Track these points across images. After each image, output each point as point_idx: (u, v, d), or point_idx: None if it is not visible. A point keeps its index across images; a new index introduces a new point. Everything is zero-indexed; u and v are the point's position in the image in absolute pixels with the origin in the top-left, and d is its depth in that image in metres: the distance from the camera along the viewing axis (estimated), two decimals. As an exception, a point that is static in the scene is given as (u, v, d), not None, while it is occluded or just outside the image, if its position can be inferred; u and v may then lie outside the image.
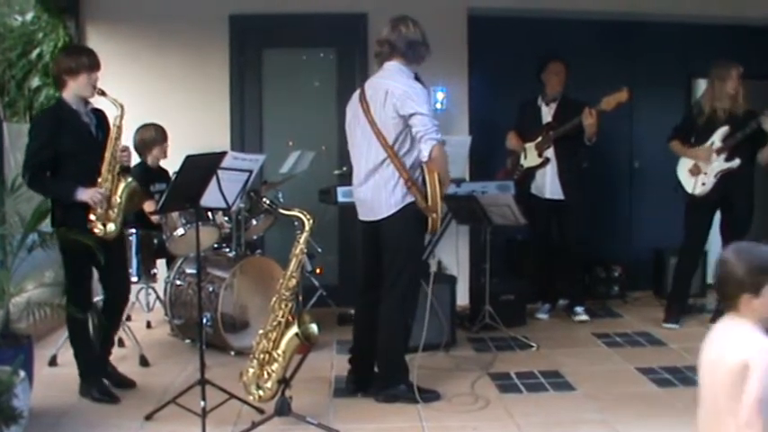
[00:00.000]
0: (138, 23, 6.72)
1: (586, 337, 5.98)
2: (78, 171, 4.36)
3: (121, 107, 4.37)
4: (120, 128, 4.39)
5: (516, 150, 6.49)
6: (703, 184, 5.98)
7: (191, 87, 6.85)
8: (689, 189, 6.05)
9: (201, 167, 4.11)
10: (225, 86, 6.96)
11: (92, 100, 4.52)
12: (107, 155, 4.36)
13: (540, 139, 6.31)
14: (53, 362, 5.19)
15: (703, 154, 5.95)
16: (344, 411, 4.39)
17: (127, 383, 4.74)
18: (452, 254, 6.48)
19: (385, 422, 4.24)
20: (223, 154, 4.14)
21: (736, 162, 5.89)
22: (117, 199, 4.38)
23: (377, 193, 4.41)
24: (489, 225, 5.80)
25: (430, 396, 4.54)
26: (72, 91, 4.41)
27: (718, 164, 5.92)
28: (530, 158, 6.38)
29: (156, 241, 5.62)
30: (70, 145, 4.34)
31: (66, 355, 5.11)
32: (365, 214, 4.56)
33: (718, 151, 5.91)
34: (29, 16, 7.07)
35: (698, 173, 6.00)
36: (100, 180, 4.35)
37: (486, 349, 5.65)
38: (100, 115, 4.54)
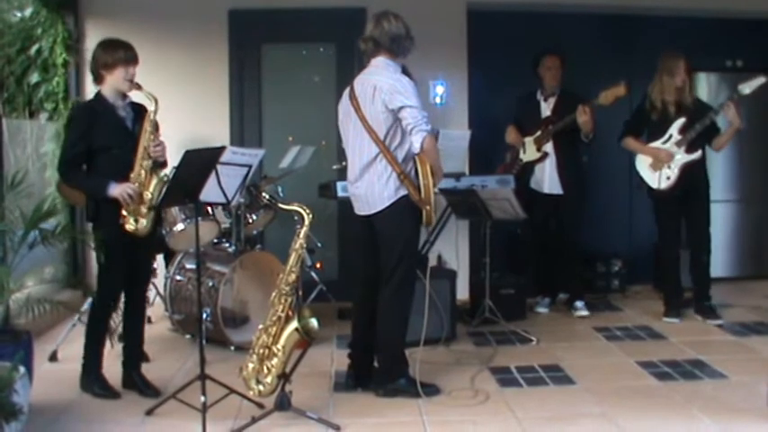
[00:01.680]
0: (137, 18, 6.70)
1: (586, 330, 5.98)
2: (112, 165, 4.36)
3: (156, 101, 4.35)
4: (153, 122, 4.39)
5: (515, 145, 6.49)
6: (668, 177, 6.01)
7: (190, 82, 6.85)
8: (654, 184, 6.09)
9: (200, 162, 4.10)
10: (224, 81, 6.96)
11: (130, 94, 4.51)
12: (140, 149, 4.35)
13: (538, 133, 6.31)
14: (53, 357, 5.20)
15: (664, 155, 5.98)
16: (344, 406, 4.39)
17: (152, 392, 4.56)
18: (452, 248, 6.47)
19: (385, 417, 4.24)
20: (222, 149, 4.13)
21: (699, 154, 5.95)
22: (149, 194, 4.36)
23: (371, 188, 4.44)
24: (489, 219, 5.80)
25: (430, 390, 4.55)
26: (109, 85, 4.42)
27: (681, 156, 5.96)
28: (529, 153, 6.38)
29: (155, 236, 5.62)
30: (104, 139, 4.35)
31: (67, 351, 5.13)
32: (361, 209, 4.58)
33: (679, 144, 5.94)
34: (27, 12, 7.03)
35: (659, 167, 6.02)
36: (132, 175, 4.34)
37: (486, 343, 5.65)
38: (139, 109, 4.51)
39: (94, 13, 6.78)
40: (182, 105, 6.62)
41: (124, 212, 4.33)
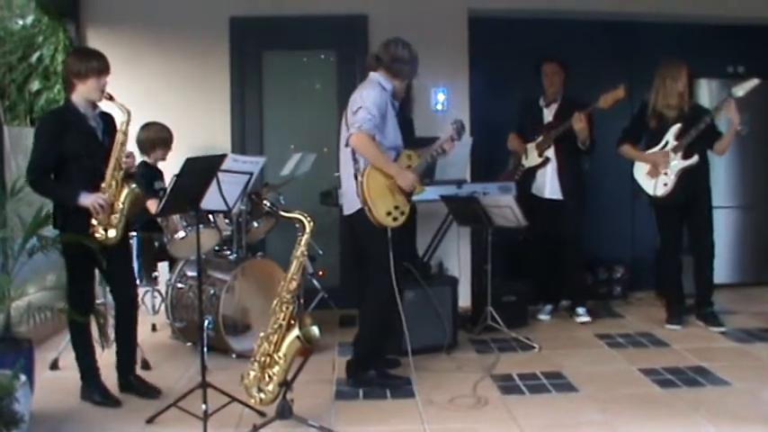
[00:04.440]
0: (139, 26, 6.72)
1: (588, 337, 5.97)
2: (82, 175, 4.34)
3: (128, 113, 4.36)
4: (125, 133, 4.38)
5: (518, 151, 6.49)
6: (665, 184, 6.00)
7: (191, 90, 6.86)
8: (650, 191, 6.08)
9: (202, 170, 4.10)
10: (225, 89, 6.96)
11: (100, 104, 4.50)
12: (111, 160, 4.34)
13: (540, 139, 6.31)
14: (54, 366, 5.19)
15: (661, 158, 5.99)
16: (346, 414, 4.38)
17: (153, 393, 4.63)
18: (454, 255, 6.48)
19: (386, 424, 4.23)
20: (223, 156, 4.13)
21: (695, 159, 5.93)
22: (119, 205, 4.36)
23: (350, 188, 4.71)
24: (491, 226, 5.79)
25: (399, 382, 4.75)
26: (80, 94, 4.39)
27: (678, 162, 5.95)
28: (531, 158, 6.39)
29: (157, 244, 5.62)
30: (74, 148, 4.33)
31: (68, 359, 5.11)
32: (344, 209, 4.87)
33: (675, 149, 5.93)
34: (29, 20, 7.06)
35: (657, 174, 6.02)
36: (103, 185, 4.33)
37: (488, 350, 5.64)
38: (108, 119, 4.51)
39: (96, 21, 6.79)
40: (183, 113, 6.64)
41: (94, 222, 4.32)
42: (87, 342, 4.58)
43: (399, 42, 4.79)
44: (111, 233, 4.36)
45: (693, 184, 5.99)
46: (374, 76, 4.79)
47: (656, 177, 6.03)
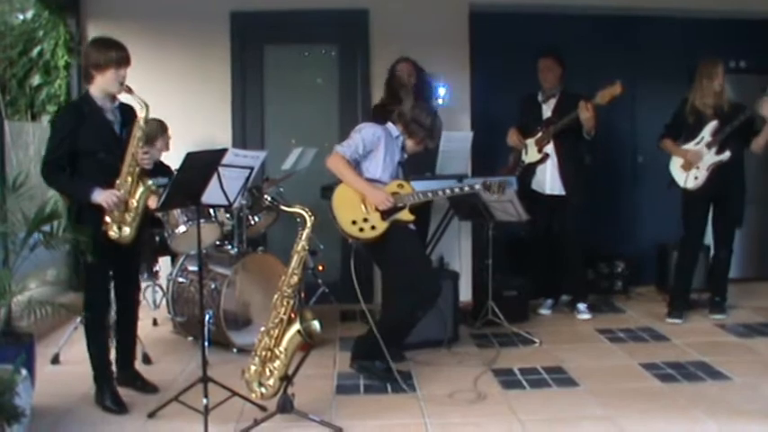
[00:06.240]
0: (139, 20, 6.70)
1: (589, 332, 5.97)
2: (97, 170, 4.23)
3: (147, 107, 4.21)
4: (143, 128, 4.23)
5: (517, 147, 6.48)
6: (696, 177, 6.04)
7: (192, 84, 6.86)
8: (681, 183, 6.11)
9: (202, 164, 4.08)
10: (226, 83, 6.96)
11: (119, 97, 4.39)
12: (127, 156, 4.22)
13: (539, 134, 6.30)
14: (55, 360, 5.20)
15: (693, 156, 6.01)
16: (347, 408, 4.38)
17: (150, 388, 4.63)
18: (455, 250, 6.47)
19: (387, 419, 4.23)
20: (224, 151, 4.11)
21: (727, 155, 5.97)
22: (134, 203, 4.25)
23: None
24: (492, 221, 5.79)
25: (400, 376, 4.72)
26: (98, 86, 4.27)
27: (710, 157, 5.99)
28: (530, 154, 6.37)
29: (157, 239, 5.62)
30: (90, 142, 4.21)
31: (69, 354, 5.13)
32: None
33: (709, 145, 5.96)
34: (29, 14, 7.05)
35: (690, 167, 6.05)
36: (118, 182, 4.22)
37: (488, 345, 5.64)
38: (128, 112, 4.36)
39: (96, 15, 6.78)
40: (184, 107, 6.63)
41: (107, 219, 4.22)
42: (103, 342, 4.47)
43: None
44: (126, 231, 4.26)
45: (725, 180, 6.03)
46: (389, 125, 5.00)
47: (688, 171, 6.06)
